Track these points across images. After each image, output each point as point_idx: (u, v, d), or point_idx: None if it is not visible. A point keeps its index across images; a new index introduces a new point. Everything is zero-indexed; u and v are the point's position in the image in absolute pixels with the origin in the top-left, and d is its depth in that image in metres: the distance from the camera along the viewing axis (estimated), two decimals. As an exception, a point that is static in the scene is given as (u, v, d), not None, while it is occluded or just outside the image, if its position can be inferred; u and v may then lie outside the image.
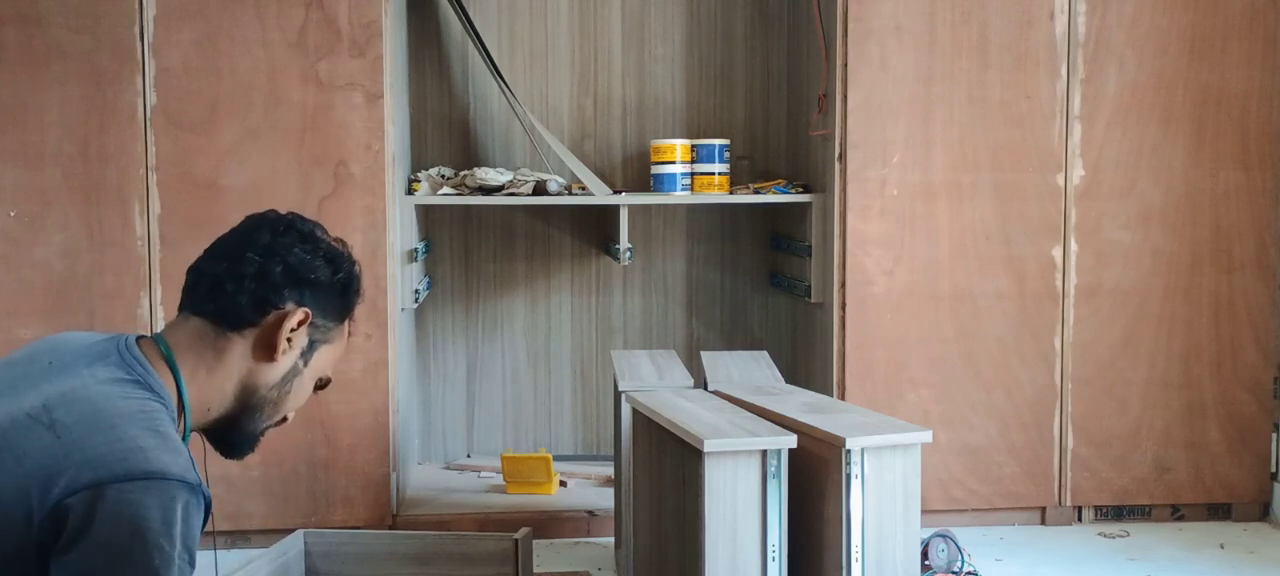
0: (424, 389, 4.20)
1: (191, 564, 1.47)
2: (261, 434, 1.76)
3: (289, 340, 1.69)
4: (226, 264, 1.72)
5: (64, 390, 1.53)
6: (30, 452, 1.45)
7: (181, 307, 1.73)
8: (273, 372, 1.69)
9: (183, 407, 1.64)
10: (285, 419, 1.77)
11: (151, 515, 1.41)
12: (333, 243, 1.83)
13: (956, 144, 3.62)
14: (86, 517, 1.39)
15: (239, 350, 1.68)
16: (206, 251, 1.78)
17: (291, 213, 1.83)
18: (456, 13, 3.98)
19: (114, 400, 1.52)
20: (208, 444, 1.77)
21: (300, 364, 1.72)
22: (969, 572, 3.21)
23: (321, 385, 1.81)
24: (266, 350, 1.68)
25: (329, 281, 1.78)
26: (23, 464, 1.44)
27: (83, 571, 1.39)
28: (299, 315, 1.69)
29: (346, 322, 1.82)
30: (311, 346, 1.73)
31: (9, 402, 1.52)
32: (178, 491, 1.44)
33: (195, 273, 1.75)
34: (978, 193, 3.63)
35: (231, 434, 1.74)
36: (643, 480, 2.87)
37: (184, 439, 1.61)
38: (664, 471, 2.68)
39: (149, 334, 1.71)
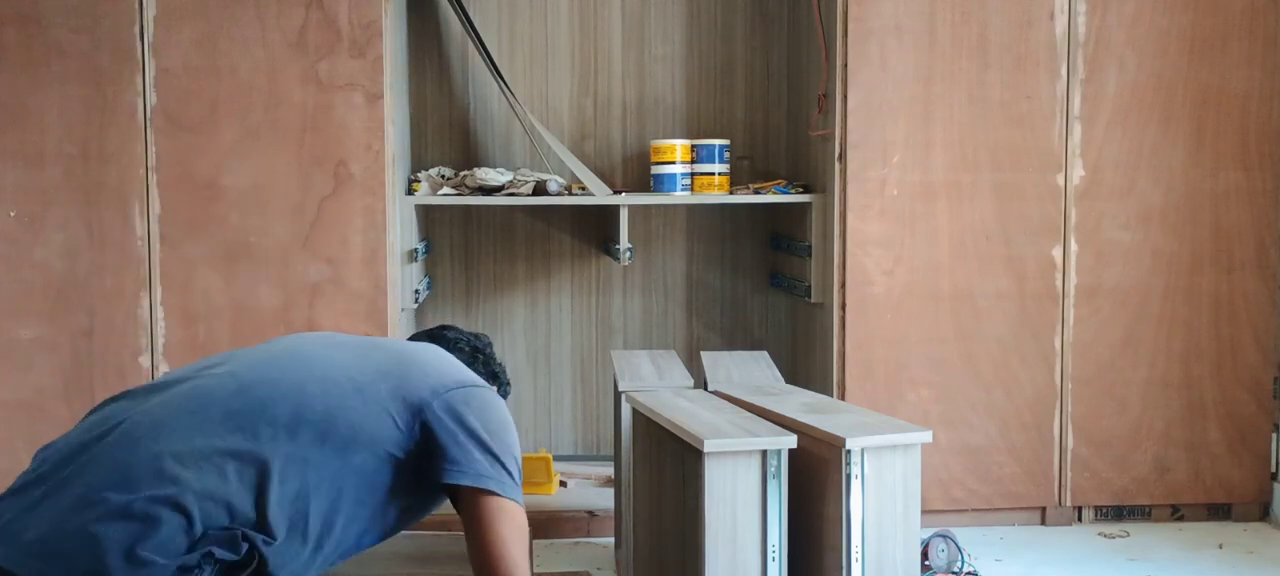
0: (424, 389, 4.20)
1: None
2: None
3: None
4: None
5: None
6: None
7: None
8: None
9: None
10: None
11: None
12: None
13: (956, 144, 3.62)
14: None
15: None
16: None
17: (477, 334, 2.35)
18: (456, 13, 3.98)
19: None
20: None
21: None
22: (969, 572, 3.21)
23: None
24: None
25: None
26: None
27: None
28: None
29: None
30: None
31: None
32: None
33: None
34: (978, 193, 3.63)
35: None
36: (643, 480, 2.88)
37: None
38: (664, 471, 2.68)
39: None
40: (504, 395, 2.35)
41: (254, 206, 3.43)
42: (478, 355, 2.29)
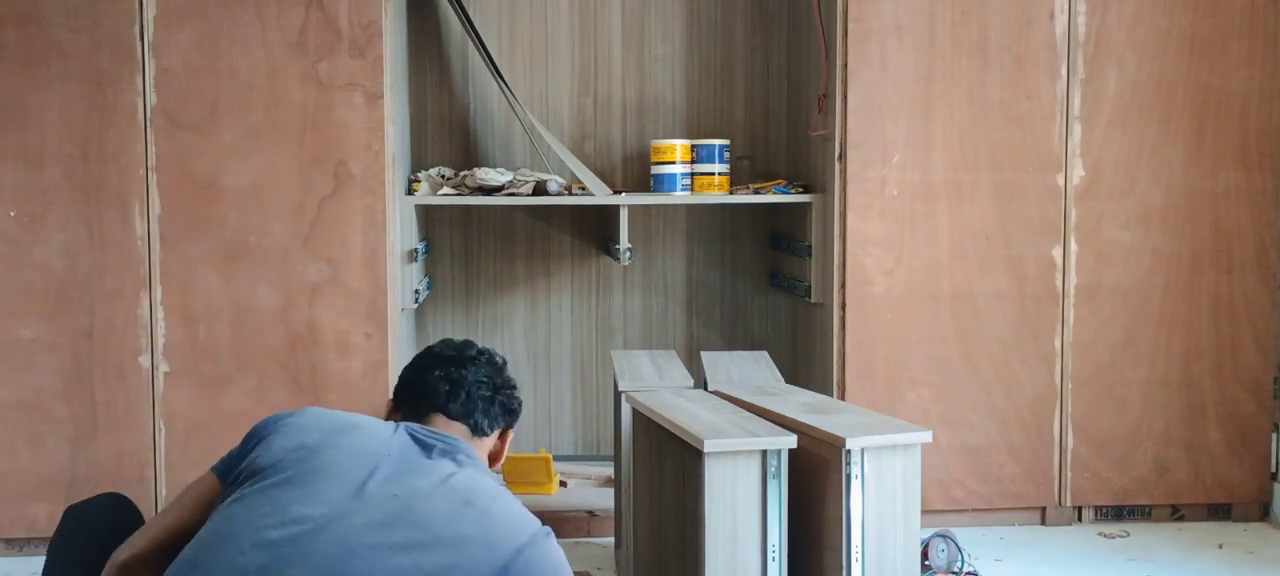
0: (424, 389, 4.20)
1: None
2: None
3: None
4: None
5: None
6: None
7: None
8: None
9: None
10: None
11: None
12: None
13: (956, 144, 3.62)
14: None
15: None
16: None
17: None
18: (456, 13, 3.98)
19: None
20: None
21: None
22: (969, 572, 3.21)
23: None
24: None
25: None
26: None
27: None
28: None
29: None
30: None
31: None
32: None
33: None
34: (978, 193, 3.63)
35: None
36: (643, 480, 2.88)
37: None
38: (664, 471, 2.68)
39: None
40: (513, 421, 2.29)
41: (254, 206, 3.43)
42: (497, 394, 2.19)
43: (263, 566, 1.75)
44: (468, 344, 2.24)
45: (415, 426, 2.02)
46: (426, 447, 1.96)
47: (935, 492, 3.62)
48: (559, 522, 3.65)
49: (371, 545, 1.78)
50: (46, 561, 2.05)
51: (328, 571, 1.75)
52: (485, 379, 2.17)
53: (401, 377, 2.21)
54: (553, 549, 1.89)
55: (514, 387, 2.24)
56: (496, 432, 2.18)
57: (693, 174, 3.86)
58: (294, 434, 1.93)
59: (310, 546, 1.77)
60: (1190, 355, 3.72)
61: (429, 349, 2.24)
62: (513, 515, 1.90)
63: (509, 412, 2.20)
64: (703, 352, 3.43)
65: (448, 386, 2.13)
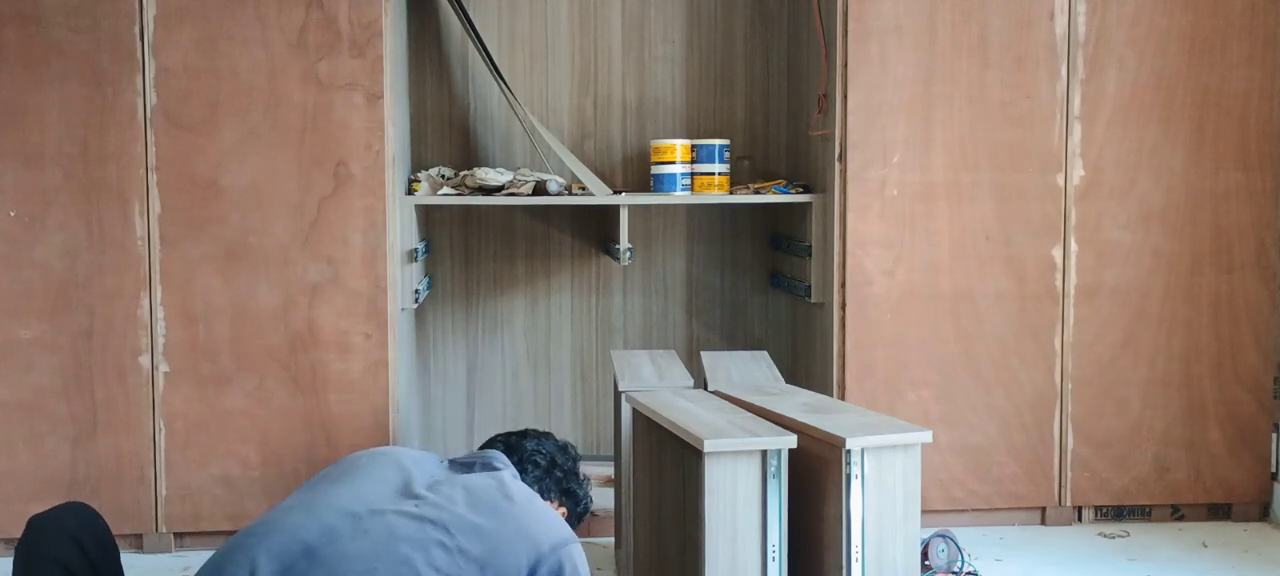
0: (424, 389, 4.20)
1: None
2: None
3: None
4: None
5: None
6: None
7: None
8: None
9: None
10: None
11: None
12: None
13: (956, 144, 3.62)
14: None
15: None
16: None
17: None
18: (456, 13, 3.98)
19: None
20: None
21: None
22: (969, 572, 3.21)
23: None
24: None
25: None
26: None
27: None
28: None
29: None
30: None
31: None
32: None
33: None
34: (978, 193, 3.63)
35: None
36: (643, 480, 2.88)
37: None
38: (664, 471, 2.68)
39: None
40: (581, 515, 2.34)
41: (254, 206, 3.43)
42: (553, 470, 2.30)
43: (308, 546, 1.88)
44: (535, 429, 2.44)
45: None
46: (467, 465, 2.13)
47: (935, 492, 3.62)
48: (559, 522, 3.65)
49: (414, 539, 1.91)
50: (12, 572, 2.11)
51: (373, 554, 1.87)
52: (544, 450, 2.31)
53: None
54: (583, 557, 2.06)
55: (579, 476, 2.33)
56: (552, 504, 2.28)
57: (693, 174, 3.86)
58: (343, 458, 2.12)
59: (357, 526, 1.91)
60: (1190, 355, 3.72)
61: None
62: (549, 518, 2.05)
63: (566, 492, 2.31)
64: (703, 352, 3.43)
65: (504, 448, 2.30)
